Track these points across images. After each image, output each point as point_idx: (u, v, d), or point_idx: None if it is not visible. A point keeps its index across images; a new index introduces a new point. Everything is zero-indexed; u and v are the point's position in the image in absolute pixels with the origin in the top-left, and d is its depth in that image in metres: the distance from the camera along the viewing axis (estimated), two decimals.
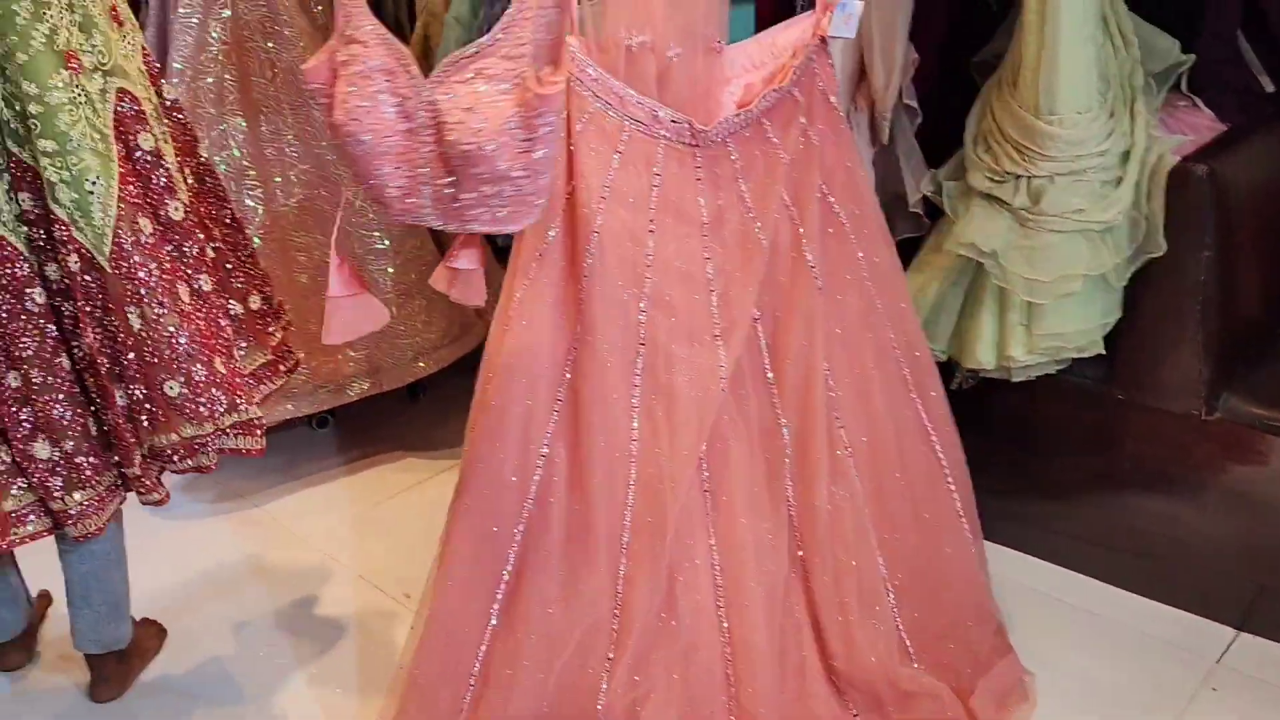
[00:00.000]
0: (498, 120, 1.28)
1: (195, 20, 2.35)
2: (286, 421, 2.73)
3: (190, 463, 1.60)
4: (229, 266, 1.74)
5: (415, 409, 2.99)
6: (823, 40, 1.63)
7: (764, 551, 1.64)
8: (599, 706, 1.60)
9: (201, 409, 1.54)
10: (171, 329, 1.50)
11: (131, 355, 1.51)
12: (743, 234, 1.62)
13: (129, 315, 1.49)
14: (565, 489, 1.62)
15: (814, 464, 1.67)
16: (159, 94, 1.63)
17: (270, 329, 1.83)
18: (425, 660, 1.65)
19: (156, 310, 1.49)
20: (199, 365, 1.53)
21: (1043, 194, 1.83)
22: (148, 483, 1.62)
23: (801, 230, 1.63)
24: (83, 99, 1.45)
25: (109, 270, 1.46)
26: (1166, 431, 1.95)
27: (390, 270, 2.55)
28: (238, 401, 1.57)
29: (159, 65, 1.70)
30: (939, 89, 2.14)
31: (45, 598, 2.13)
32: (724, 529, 1.64)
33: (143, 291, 1.48)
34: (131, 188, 1.49)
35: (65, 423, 1.55)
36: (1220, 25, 2.01)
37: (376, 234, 2.54)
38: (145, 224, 1.50)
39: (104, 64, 1.48)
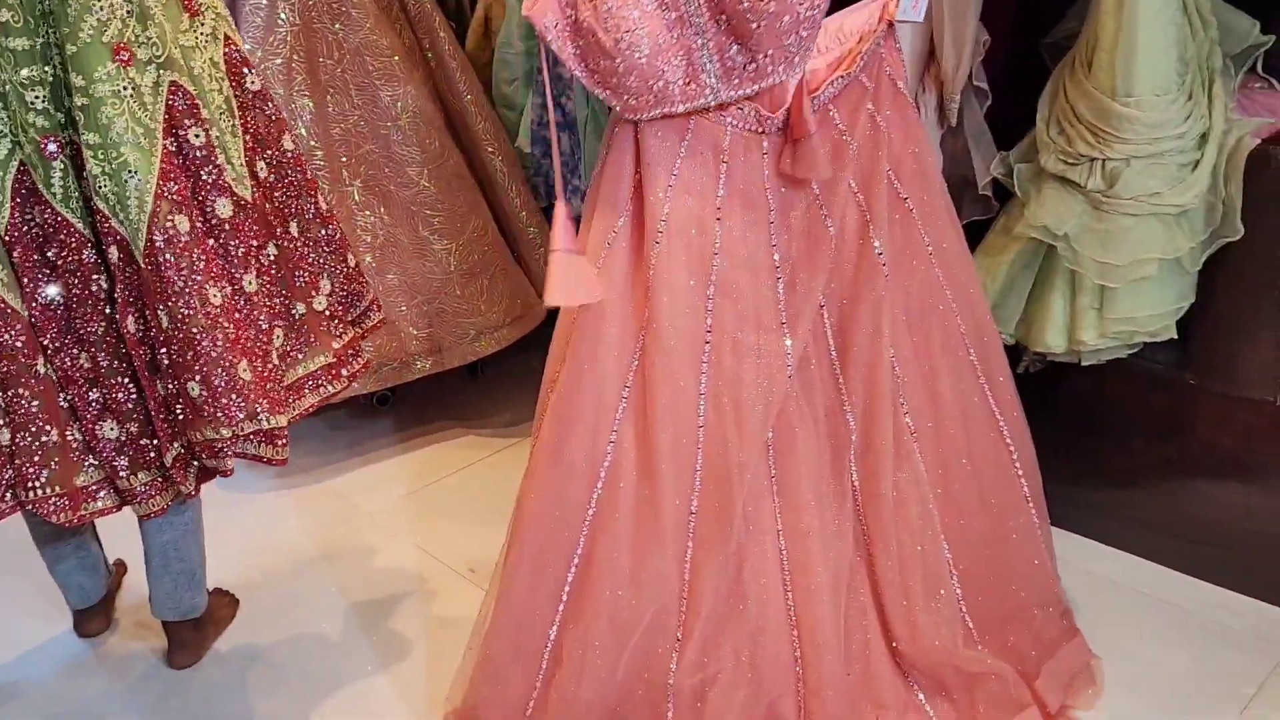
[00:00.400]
0: None
1: (265, 2, 2.38)
2: (350, 399, 2.79)
3: (213, 463, 1.61)
4: (298, 265, 1.74)
5: (474, 387, 3.03)
6: (890, 25, 1.62)
7: (829, 537, 1.65)
8: (669, 684, 1.63)
9: (219, 414, 1.54)
10: (196, 331, 1.50)
11: (163, 350, 1.53)
12: (810, 221, 1.61)
13: (159, 312, 1.51)
14: (634, 474, 1.64)
15: (879, 450, 1.67)
16: (240, 84, 1.64)
17: (338, 329, 1.82)
18: (497, 640, 1.68)
19: (184, 311, 1.49)
20: (220, 369, 1.52)
21: (1118, 177, 1.80)
22: (176, 475, 1.65)
23: (869, 217, 1.63)
24: (129, 92, 1.46)
25: (143, 265, 1.48)
26: (1240, 418, 1.93)
27: (454, 249, 2.57)
28: (258, 410, 1.56)
29: (246, 51, 1.70)
30: (1009, 70, 2.11)
31: (121, 566, 2.20)
32: (790, 515, 1.65)
33: (170, 291, 1.48)
34: (173, 184, 1.49)
35: (130, 406, 1.59)
36: None
37: (440, 216, 2.56)
38: (183, 222, 1.50)
39: (158, 56, 1.49)
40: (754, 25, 1.44)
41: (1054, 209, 1.87)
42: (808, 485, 1.65)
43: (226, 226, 1.57)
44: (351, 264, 1.84)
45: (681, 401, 1.59)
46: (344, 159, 2.49)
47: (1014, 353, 2.12)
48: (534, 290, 2.73)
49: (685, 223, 1.57)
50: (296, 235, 1.75)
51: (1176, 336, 1.88)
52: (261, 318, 1.64)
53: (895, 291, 1.66)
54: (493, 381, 3.04)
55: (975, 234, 2.11)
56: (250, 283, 1.62)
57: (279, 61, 2.40)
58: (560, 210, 1.57)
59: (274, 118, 1.70)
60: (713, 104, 1.52)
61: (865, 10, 1.62)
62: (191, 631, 1.97)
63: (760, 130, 1.58)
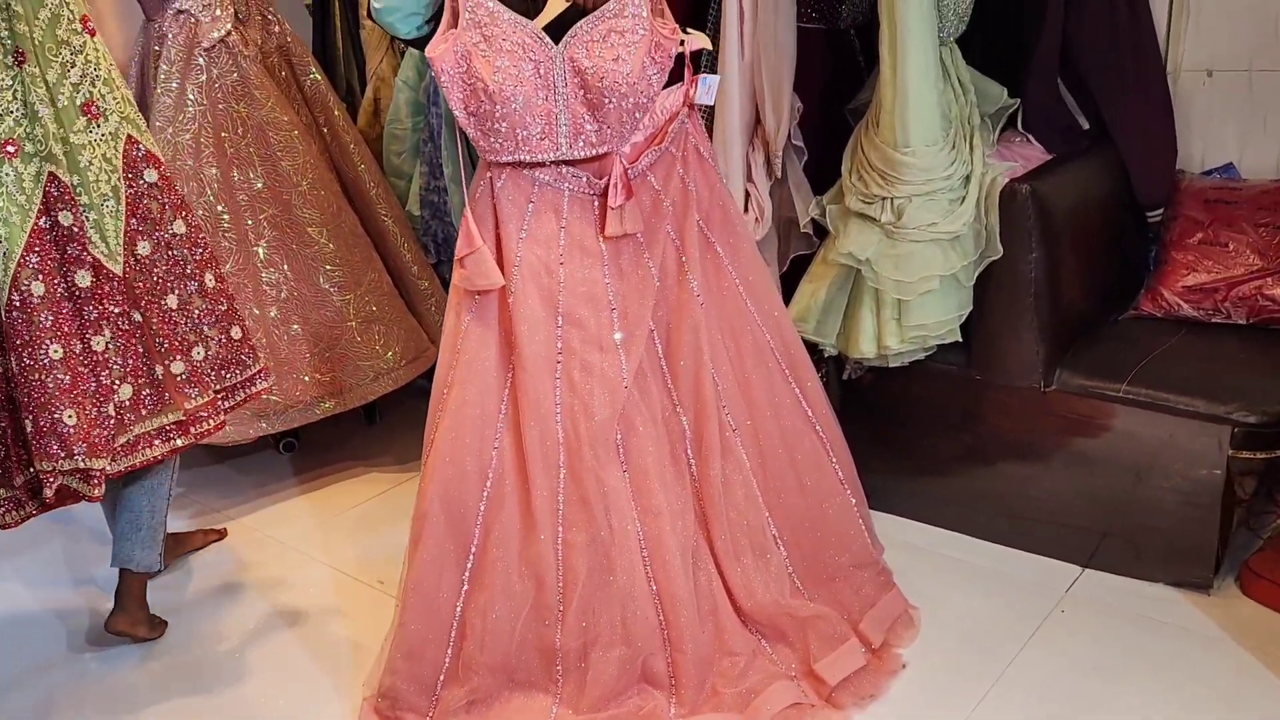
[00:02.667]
0: (637, 63, 1.80)
1: (175, 86, 2.67)
2: (256, 447, 3.03)
3: (47, 491, 1.88)
4: (163, 333, 1.99)
5: (371, 431, 3.28)
6: (691, 106, 2.02)
7: (675, 514, 1.98)
8: (556, 647, 1.92)
9: (41, 449, 1.83)
10: (34, 377, 1.80)
11: (15, 389, 1.84)
12: (636, 264, 1.99)
13: (10, 358, 1.82)
14: (514, 473, 1.96)
15: (708, 444, 2.03)
16: (136, 177, 1.94)
17: (193, 393, 2.05)
18: (410, 622, 1.96)
19: (26, 360, 1.79)
20: (46, 413, 1.81)
21: (904, 211, 2.23)
22: (22, 496, 1.94)
23: (684, 259, 2.01)
24: (11, 178, 1.78)
25: (2, 318, 1.80)
26: (1015, 405, 2.36)
27: (351, 300, 2.86)
28: (75, 451, 1.84)
29: (150, 147, 2.00)
30: (821, 131, 2.55)
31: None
32: (642, 498, 1.97)
33: (18, 341, 1.79)
34: (36, 255, 1.79)
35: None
36: (1041, 74, 2.46)
37: (338, 271, 2.84)
38: (39, 286, 1.80)
39: (41, 151, 1.81)
40: (607, 101, 1.82)
41: (857, 239, 2.28)
42: (654, 473, 1.98)
43: (84, 294, 1.86)
44: (236, 336, 2.14)
45: (543, 412, 1.93)
46: (249, 222, 2.77)
47: (840, 363, 2.53)
48: (426, 336, 3.02)
49: (536, 267, 1.93)
50: (174, 307, 2.03)
51: (961, 339, 2.31)
52: (106, 374, 1.90)
53: (710, 318, 2.03)
54: (388, 426, 3.31)
55: (801, 265, 2.53)
56: (99, 343, 1.89)
57: (187, 137, 2.70)
58: (467, 216, 1.90)
59: (169, 204, 2.00)
60: (556, 159, 1.87)
61: (672, 95, 2.01)
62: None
63: (591, 193, 1.95)
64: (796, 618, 2.02)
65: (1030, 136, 2.50)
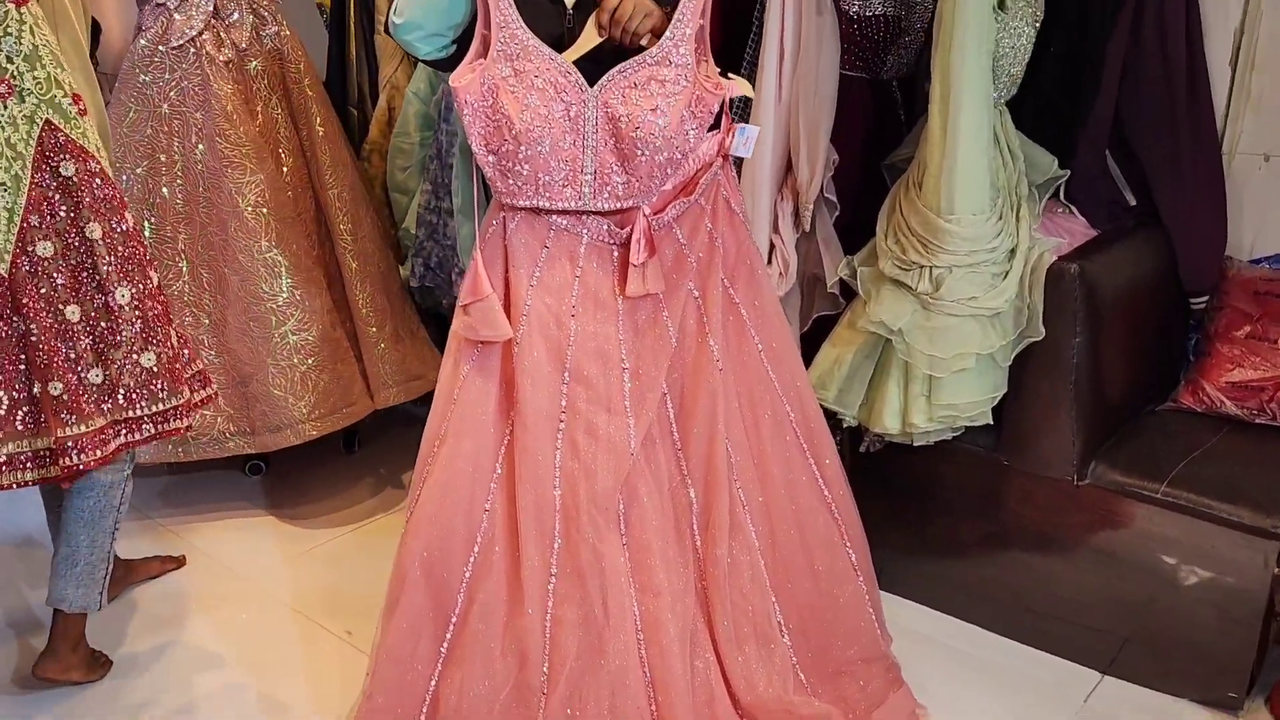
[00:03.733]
0: (676, 116, 1.64)
1: (138, 80, 2.60)
2: (222, 464, 2.85)
3: None
4: (44, 348, 1.78)
5: (350, 459, 3.10)
6: (725, 157, 1.87)
7: (677, 597, 1.83)
8: None
9: None
10: None
11: None
12: (653, 321, 1.83)
13: None
14: (504, 539, 1.80)
15: (716, 521, 1.87)
16: (49, 169, 1.76)
17: (69, 419, 1.81)
18: (380, 693, 1.78)
19: None
20: None
21: (943, 282, 2.08)
22: None
23: (706, 319, 1.85)
24: None
25: None
26: (1044, 495, 2.21)
27: (280, 338, 2.64)
28: None
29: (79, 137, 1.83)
30: (855, 186, 2.40)
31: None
32: (642, 574, 1.82)
33: None
34: None
35: None
36: (1091, 145, 2.32)
37: (270, 304, 2.64)
38: None
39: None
40: (639, 154, 1.66)
41: (891, 308, 2.13)
42: (656, 549, 1.82)
43: None
44: (148, 363, 1.88)
45: (541, 474, 1.77)
46: (183, 236, 2.62)
47: (857, 434, 2.38)
48: (360, 387, 2.78)
49: (545, 318, 1.77)
50: (74, 320, 1.80)
51: (992, 422, 2.16)
52: None
53: (729, 384, 1.88)
54: (368, 455, 3.13)
55: (825, 327, 2.38)
56: None
57: (138, 138, 2.59)
58: (477, 260, 1.74)
59: (87, 204, 1.78)
60: (577, 208, 1.72)
61: (706, 143, 1.85)
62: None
63: (611, 242, 1.79)
64: (798, 715, 1.86)
65: (1074, 209, 2.36)
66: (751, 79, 2.34)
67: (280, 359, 2.64)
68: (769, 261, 2.38)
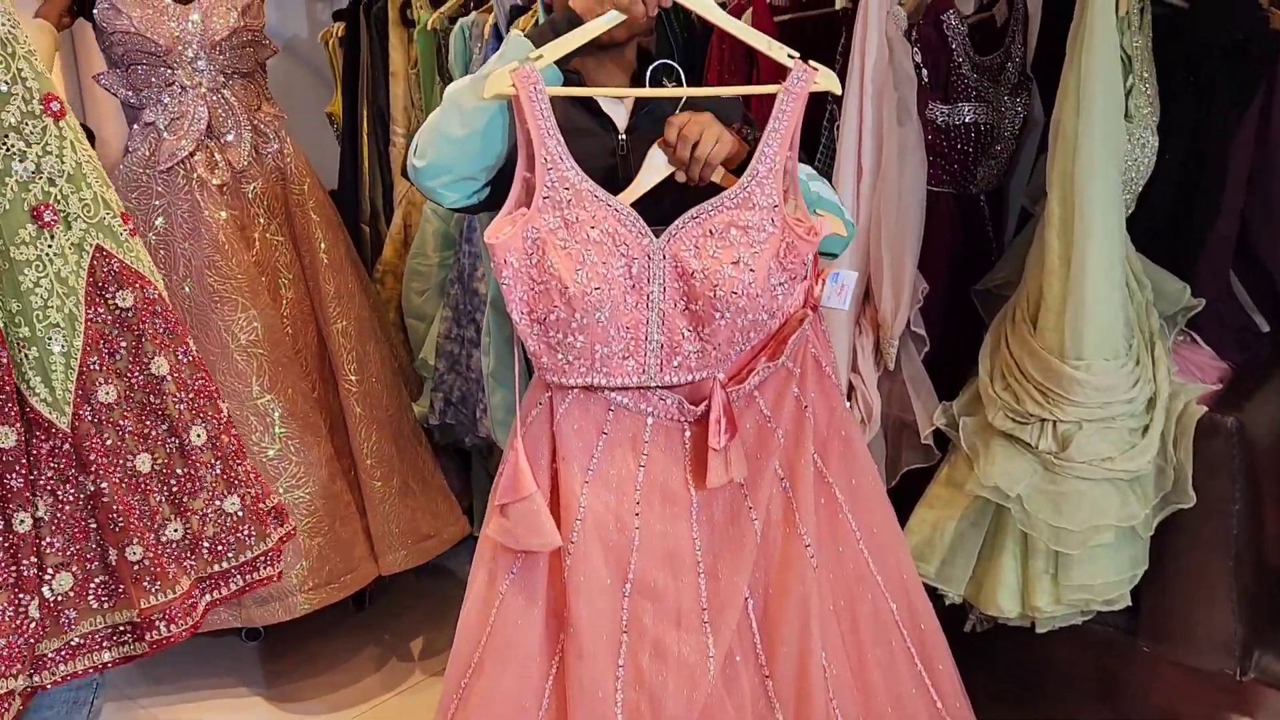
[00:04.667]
0: (763, 269, 1.33)
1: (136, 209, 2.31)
2: (215, 631, 2.48)
3: None
4: (122, 507, 1.51)
5: (360, 619, 2.73)
6: (815, 308, 1.54)
7: None
8: None
9: None
10: None
11: None
12: (733, 512, 1.49)
13: None
14: None
15: None
16: (103, 302, 1.49)
17: (152, 585, 1.53)
18: None
19: None
20: None
21: (1070, 440, 1.74)
22: None
23: (795, 506, 1.51)
24: None
25: None
26: (1194, 690, 1.84)
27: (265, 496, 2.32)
28: None
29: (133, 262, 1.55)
30: (941, 314, 2.07)
31: None
32: None
33: None
34: None
35: None
36: (1214, 264, 1.99)
37: (260, 456, 2.31)
38: None
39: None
40: (718, 317, 1.34)
41: (1005, 468, 1.79)
42: None
43: (8, 456, 1.38)
44: (233, 508, 1.60)
45: (599, 711, 1.41)
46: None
47: (960, 609, 2.01)
48: (362, 549, 2.44)
49: (603, 518, 1.43)
50: (146, 472, 1.52)
51: (1130, 602, 1.79)
52: (30, 560, 1.42)
53: (823, 583, 1.53)
54: (380, 614, 2.75)
55: (916, 483, 2.02)
56: (23, 521, 1.40)
57: None
58: (517, 450, 1.40)
59: (149, 335, 1.52)
60: (640, 384, 1.39)
61: (793, 294, 1.53)
62: None
63: (682, 419, 1.46)
64: None
65: (1198, 338, 2.02)
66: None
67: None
68: (848, 403, 2.04)
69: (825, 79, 1.39)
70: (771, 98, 1.38)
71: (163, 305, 1.56)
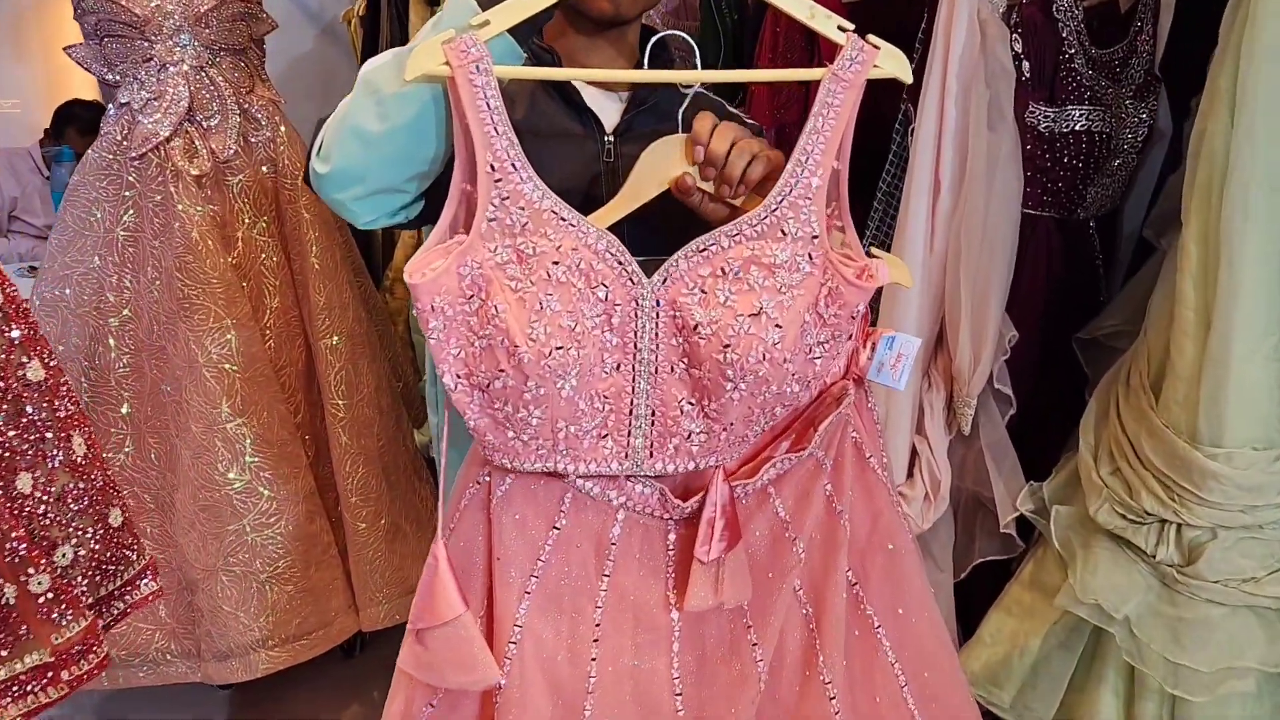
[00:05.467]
0: (794, 323, 0.96)
1: (79, 200, 2.07)
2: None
3: None
4: (10, 531, 1.24)
5: (348, 668, 2.42)
6: (859, 381, 1.16)
7: None
8: None
9: None
10: None
11: None
12: (731, 645, 1.11)
13: None
14: None
15: None
16: None
17: (67, 616, 1.30)
18: None
19: None
20: None
21: (1200, 550, 1.33)
22: None
23: (817, 639, 1.12)
24: None
25: None
26: None
27: (239, 531, 2.01)
28: None
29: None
30: (1033, 366, 1.68)
31: None
32: None
33: None
34: None
35: None
36: None
37: (227, 490, 2.01)
38: None
39: None
40: (729, 388, 0.97)
41: (1110, 580, 1.39)
42: None
43: None
44: (117, 522, 1.38)
45: None
46: (129, 395, 2.02)
47: None
48: (341, 599, 2.13)
49: (549, 646, 1.07)
50: (27, 491, 1.28)
51: None
52: None
53: None
54: (374, 664, 2.44)
55: (991, 580, 1.63)
56: None
57: (82, 270, 2.05)
58: (438, 558, 1.06)
59: (21, 340, 1.24)
60: (618, 472, 1.03)
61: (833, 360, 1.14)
62: None
63: (665, 516, 1.09)
64: None
65: None
66: (889, 222, 1.65)
67: (234, 564, 2.00)
68: (909, 474, 1.65)
69: (890, 61, 1.01)
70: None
71: (21, 306, 1.30)
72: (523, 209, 0.94)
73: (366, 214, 1.06)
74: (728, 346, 0.97)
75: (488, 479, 1.07)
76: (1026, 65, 1.54)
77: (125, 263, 2.05)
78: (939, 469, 1.63)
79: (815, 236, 0.99)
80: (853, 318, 1.01)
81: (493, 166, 0.94)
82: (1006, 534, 1.60)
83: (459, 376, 0.98)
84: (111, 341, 2.05)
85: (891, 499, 1.17)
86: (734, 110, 1.23)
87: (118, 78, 2.07)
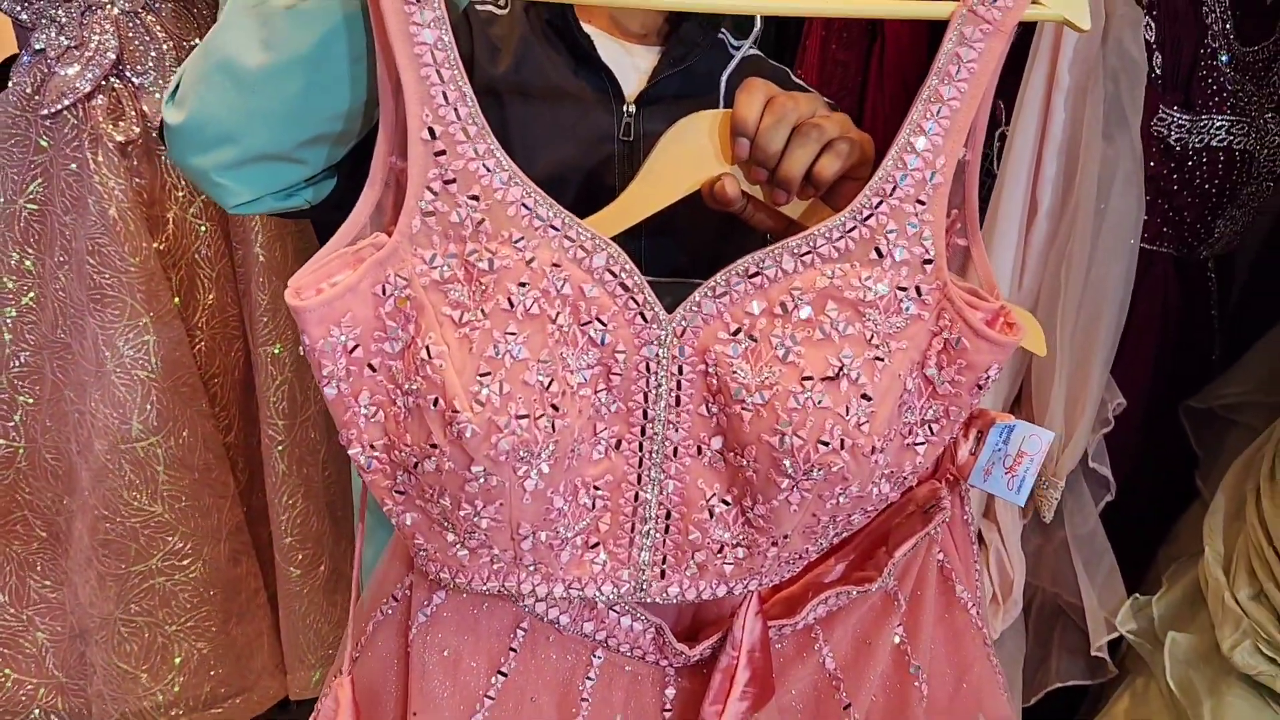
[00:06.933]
0: (891, 394, 0.63)
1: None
2: None
3: None
4: None
5: None
6: (954, 482, 0.81)
7: None
8: None
9: None
10: None
11: None
12: None
13: None
14: None
15: None
16: None
17: None
18: None
19: None
20: None
21: None
22: None
23: None
24: None
25: None
26: None
27: (143, 573, 1.69)
28: None
29: None
30: (1136, 438, 1.34)
31: None
32: None
33: None
34: None
35: None
36: None
37: (137, 519, 1.67)
38: None
39: None
40: (785, 485, 0.63)
41: None
42: None
43: None
44: None
45: None
46: (24, 399, 1.68)
47: None
48: (265, 659, 1.81)
49: None
50: None
51: None
52: None
53: None
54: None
55: (1070, 702, 1.29)
56: None
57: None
58: (336, 698, 0.72)
59: None
60: (606, 598, 0.69)
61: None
62: None
63: (660, 661, 0.75)
64: None
65: None
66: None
67: (135, 612, 1.66)
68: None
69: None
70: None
71: None
72: (476, 199, 0.60)
73: (240, 190, 0.70)
74: (787, 424, 0.62)
75: (408, 593, 0.72)
76: (1159, 59, 1.20)
77: (29, 241, 1.71)
78: (1012, 564, 1.28)
79: (928, 261, 0.65)
80: (979, 386, 0.66)
81: (432, 131, 0.59)
82: (1098, 658, 1.25)
83: (374, 450, 0.64)
84: (6, 335, 1.71)
85: (986, 648, 0.83)
86: (799, 80, 0.90)
87: (33, 18, 1.72)
